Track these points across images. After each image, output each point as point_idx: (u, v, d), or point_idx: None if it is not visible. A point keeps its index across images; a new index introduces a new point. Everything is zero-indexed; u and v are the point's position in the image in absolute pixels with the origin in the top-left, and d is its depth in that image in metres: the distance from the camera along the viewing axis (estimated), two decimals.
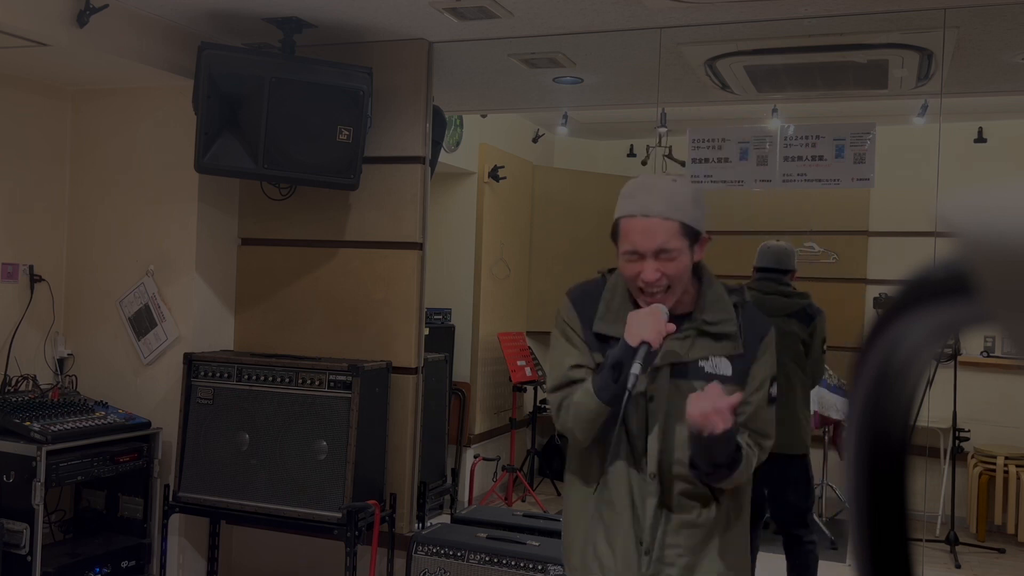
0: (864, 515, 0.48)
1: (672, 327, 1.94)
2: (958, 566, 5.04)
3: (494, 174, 6.17)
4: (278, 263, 4.31)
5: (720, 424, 1.82)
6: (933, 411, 5.34)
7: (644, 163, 5.76)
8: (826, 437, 5.45)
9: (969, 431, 5.53)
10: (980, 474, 5.55)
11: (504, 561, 3.56)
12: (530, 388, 6.44)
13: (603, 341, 2.02)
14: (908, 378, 0.46)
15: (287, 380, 3.80)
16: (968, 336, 5.30)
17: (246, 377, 3.86)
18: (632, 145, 6.41)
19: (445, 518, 4.31)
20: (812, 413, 4.79)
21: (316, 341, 4.20)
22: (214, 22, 3.92)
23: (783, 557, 3.99)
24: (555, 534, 3.49)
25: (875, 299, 5.71)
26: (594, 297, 2.08)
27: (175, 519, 4.01)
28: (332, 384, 3.74)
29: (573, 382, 2.02)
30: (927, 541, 5.21)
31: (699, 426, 1.84)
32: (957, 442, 5.47)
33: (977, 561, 5.19)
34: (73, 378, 4.31)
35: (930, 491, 5.46)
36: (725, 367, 1.99)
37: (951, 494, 5.32)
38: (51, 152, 4.33)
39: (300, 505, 3.71)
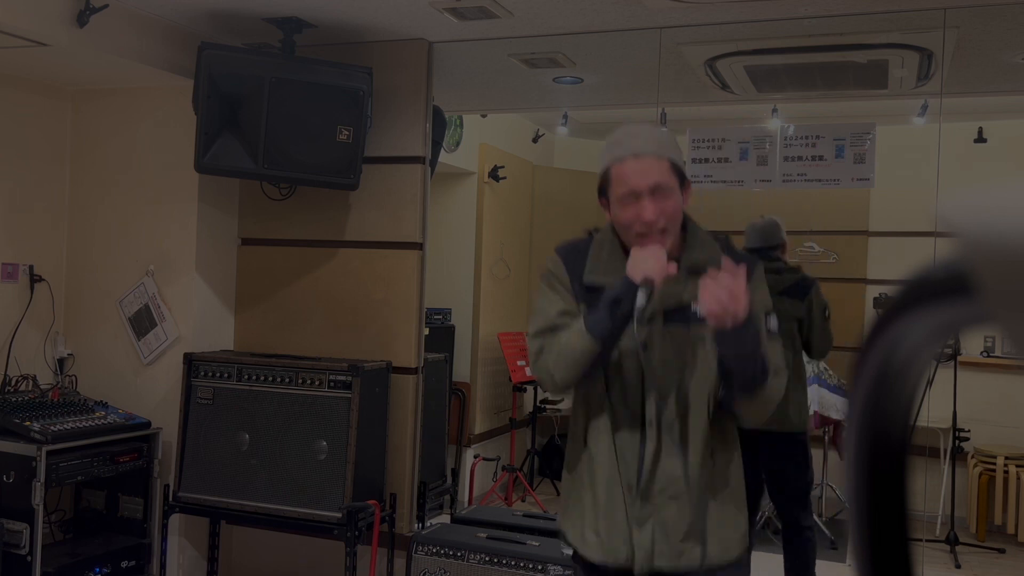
0: (864, 515, 0.48)
1: (674, 267, 1.95)
2: (958, 566, 5.04)
3: (494, 174, 6.17)
4: (278, 263, 4.31)
5: (740, 308, 1.80)
6: (933, 411, 5.34)
7: None
8: (826, 437, 5.45)
9: (969, 431, 5.53)
10: (980, 474, 5.55)
11: (504, 561, 3.56)
12: (530, 388, 6.44)
13: (592, 293, 2.03)
14: (908, 378, 0.46)
15: (287, 380, 3.80)
16: (968, 336, 5.30)
17: (246, 377, 3.87)
18: None
19: (445, 518, 4.31)
20: (812, 413, 4.80)
21: (316, 341, 4.20)
22: (214, 22, 3.92)
23: (781, 558, 3.99)
24: (555, 534, 3.49)
25: (875, 299, 5.71)
26: (582, 252, 2.11)
27: (175, 519, 4.01)
28: (332, 384, 3.74)
29: (558, 328, 2.03)
30: (927, 541, 5.21)
31: (721, 316, 1.81)
32: (957, 442, 5.47)
33: (977, 561, 5.19)
34: (73, 378, 4.31)
35: (930, 491, 5.46)
36: None
37: (951, 494, 5.32)
38: (51, 152, 4.33)
39: (300, 505, 3.71)
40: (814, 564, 3.95)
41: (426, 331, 4.22)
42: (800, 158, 3.97)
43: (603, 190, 2.07)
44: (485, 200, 6.14)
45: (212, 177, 4.02)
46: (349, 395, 3.70)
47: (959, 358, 5.36)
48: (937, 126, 3.99)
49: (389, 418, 3.99)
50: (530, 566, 3.53)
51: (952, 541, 5.11)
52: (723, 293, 1.80)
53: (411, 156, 4.10)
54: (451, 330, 5.91)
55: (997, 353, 5.72)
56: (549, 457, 6.51)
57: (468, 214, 6.12)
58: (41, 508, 3.53)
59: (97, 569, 3.81)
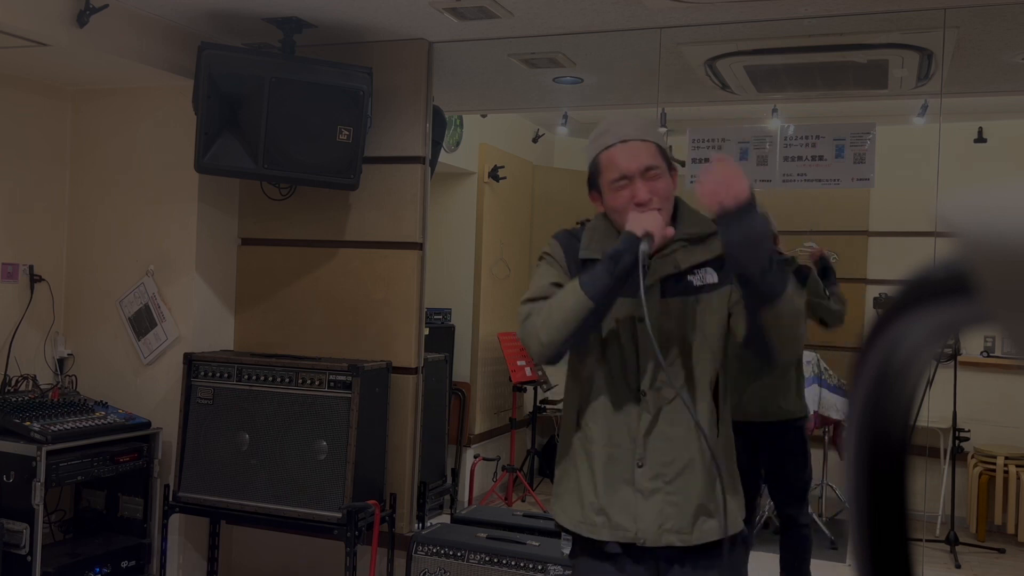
0: (864, 515, 0.48)
1: (671, 231, 1.97)
2: (958, 566, 5.04)
3: (494, 174, 6.17)
4: (278, 263, 4.31)
5: (741, 186, 1.79)
6: (933, 411, 5.34)
7: None
8: (826, 437, 5.45)
9: (969, 431, 5.53)
10: (980, 474, 5.55)
11: (504, 561, 3.56)
12: (530, 388, 6.44)
13: (587, 266, 2.03)
14: (908, 378, 0.46)
15: (287, 380, 3.80)
16: (968, 336, 5.30)
17: (246, 377, 3.87)
18: None
19: (445, 518, 4.31)
20: (812, 413, 4.81)
21: (316, 341, 4.20)
22: (214, 22, 3.92)
23: (779, 558, 3.99)
24: (555, 534, 3.49)
25: (875, 299, 5.71)
26: (578, 238, 2.14)
27: (175, 519, 4.01)
28: (332, 384, 3.74)
29: (550, 297, 2.03)
30: (927, 541, 5.21)
31: (722, 195, 1.80)
32: (957, 442, 5.47)
33: (977, 561, 5.19)
34: (73, 378, 4.31)
35: (930, 491, 5.46)
36: (712, 276, 2.03)
37: (951, 494, 5.32)
38: (51, 152, 4.33)
39: (300, 505, 3.70)
40: (809, 561, 3.96)
41: (426, 331, 4.22)
42: (800, 158, 3.97)
43: (593, 181, 2.10)
44: (485, 200, 6.14)
45: (212, 177, 4.02)
46: (349, 395, 3.70)
47: (959, 358, 5.36)
48: (937, 126, 3.99)
49: (389, 418, 3.99)
50: (530, 566, 3.53)
51: (952, 541, 5.11)
52: (720, 172, 1.81)
53: (411, 156, 4.10)
54: (451, 330, 5.91)
55: (997, 353, 5.72)
56: (549, 457, 6.50)
57: (468, 214, 6.12)
58: (41, 508, 3.53)
59: (97, 569, 3.81)
